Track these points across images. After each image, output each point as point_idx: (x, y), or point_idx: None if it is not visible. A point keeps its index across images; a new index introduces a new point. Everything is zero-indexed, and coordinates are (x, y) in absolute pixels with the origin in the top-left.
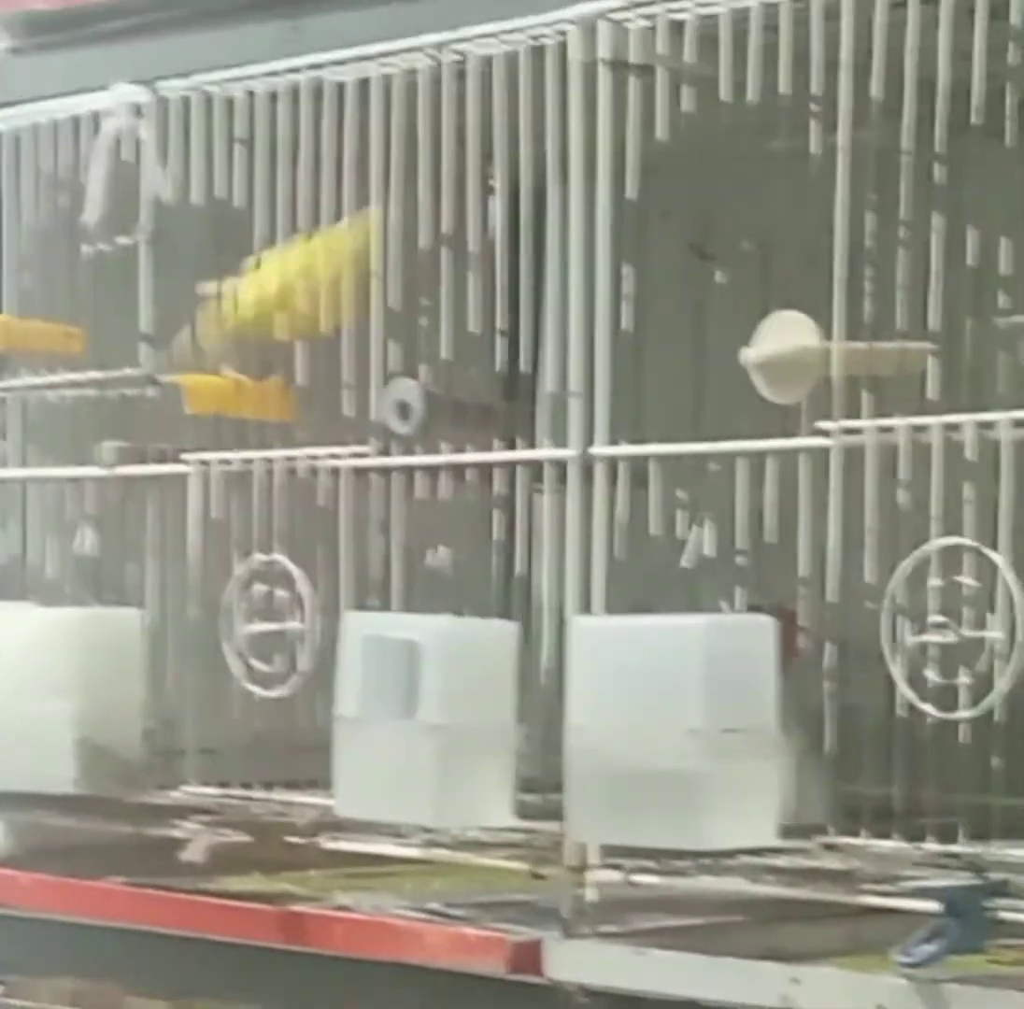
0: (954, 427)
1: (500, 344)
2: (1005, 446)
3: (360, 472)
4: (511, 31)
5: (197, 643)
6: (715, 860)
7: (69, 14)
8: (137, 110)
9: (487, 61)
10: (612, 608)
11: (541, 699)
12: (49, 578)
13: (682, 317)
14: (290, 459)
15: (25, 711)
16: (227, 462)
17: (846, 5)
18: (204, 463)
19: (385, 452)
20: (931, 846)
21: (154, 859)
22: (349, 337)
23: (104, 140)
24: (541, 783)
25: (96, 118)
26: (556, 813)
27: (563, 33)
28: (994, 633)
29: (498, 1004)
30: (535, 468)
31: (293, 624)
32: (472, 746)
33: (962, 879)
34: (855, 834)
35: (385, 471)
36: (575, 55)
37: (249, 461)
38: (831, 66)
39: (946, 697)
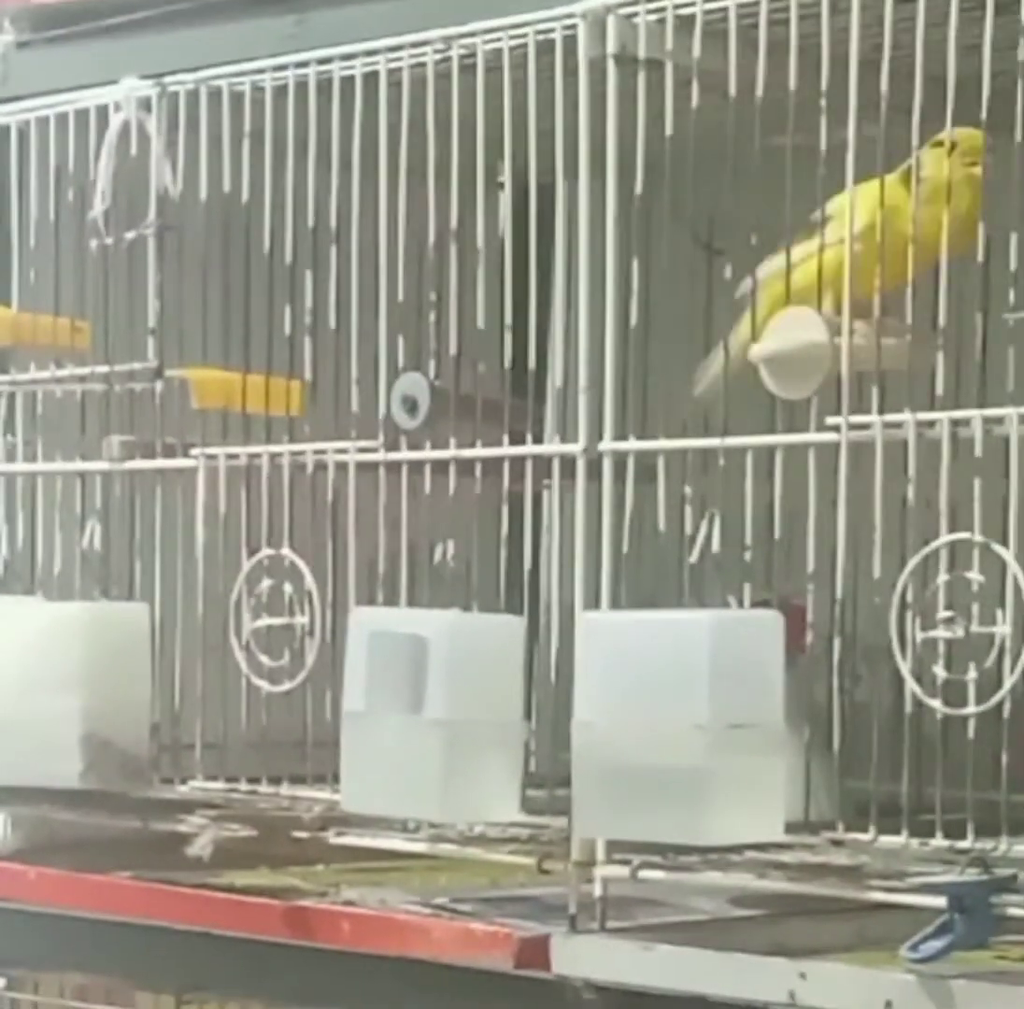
0: (962, 423)
1: (507, 339)
2: (1014, 442)
3: (367, 467)
4: (519, 25)
5: (204, 638)
6: (722, 855)
7: (76, 8)
8: (145, 104)
9: (496, 55)
10: (620, 603)
11: (549, 694)
12: (57, 573)
13: (690, 313)
14: (297, 453)
15: (32, 706)
16: (234, 456)
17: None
18: (211, 457)
19: (392, 447)
20: (938, 842)
21: (161, 854)
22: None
23: (111, 135)
24: (549, 778)
25: (104, 112)
26: (563, 808)
27: (571, 27)
28: (1002, 629)
29: (505, 999)
30: (544, 463)
31: (300, 619)
32: (478, 741)
33: (969, 875)
34: (862, 830)
35: (392, 466)
36: (583, 50)
37: (256, 455)
38: (840, 61)
39: (954, 693)
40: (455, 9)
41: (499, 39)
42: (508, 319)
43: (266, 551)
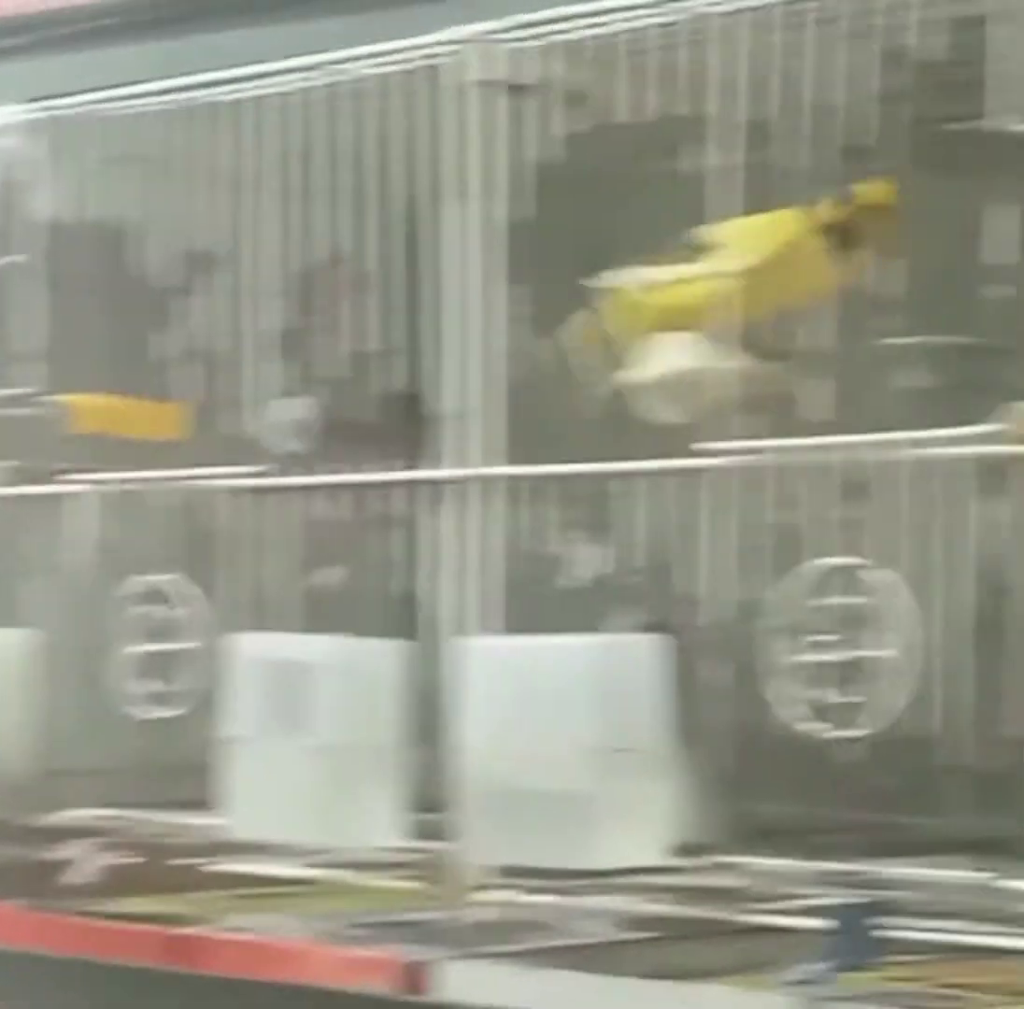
0: (836, 448)
1: (392, 364)
2: (888, 467)
3: (251, 492)
4: (403, 50)
5: (88, 664)
6: (607, 879)
7: None
8: (28, 129)
9: (382, 80)
10: (506, 628)
11: (434, 718)
12: None
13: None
14: (182, 479)
15: None
16: (120, 482)
17: (742, 29)
18: (92, 482)
19: (276, 472)
20: (822, 864)
21: (44, 881)
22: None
23: None
24: (438, 802)
25: None
26: (449, 833)
27: (455, 53)
28: (888, 652)
29: None
30: (425, 488)
31: (184, 644)
32: (362, 766)
33: (853, 897)
34: (747, 853)
35: (275, 491)
36: (466, 75)
37: (143, 481)
38: (723, 87)
39: (839, 716)
40: (342, 35)
41: (385, 64)
42: (392, 344)
43: (147, 577)
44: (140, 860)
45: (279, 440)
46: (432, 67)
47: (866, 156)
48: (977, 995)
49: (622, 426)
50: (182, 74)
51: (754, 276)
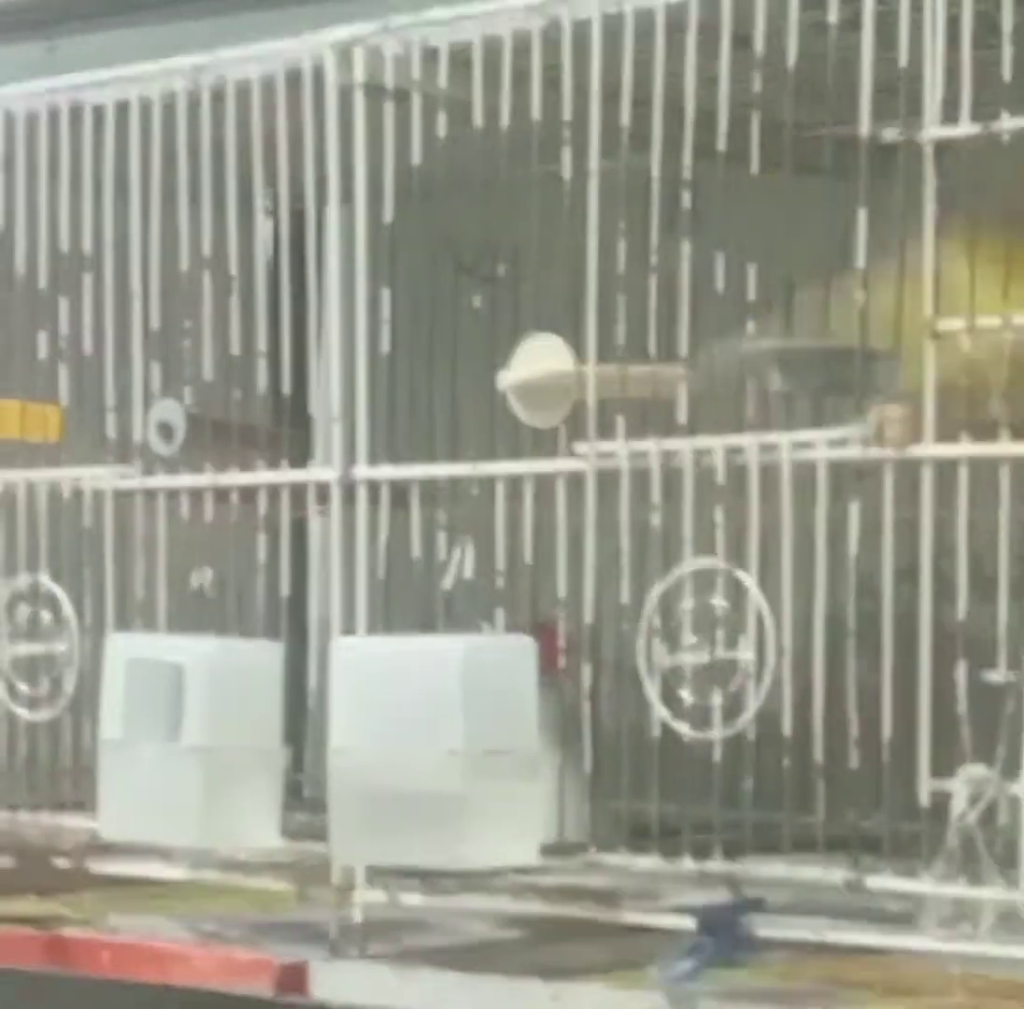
0: (705, 451)
1: (264, 366)
2: (753, 469)
3: (124, 493)
4: (268, 54)
5: None
6: (480, 879)
7: None
8: None
9: (245, 84)
10: (377, 629)
11: (311, 720)
12: None
13: (443, 340)
14: (53, 479)
15: None
16: None
17: (596, 33)
18: None
19: (149, 473)
20: (687, 863)
21: None
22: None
23: None
24: (318, 803)
25: None
26: (325, 834)
27: (320, 57)
28: (745, 654)
29: None
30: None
31: (59, 646)
32: (237, 768)
33: (722, 896)
34: (619, 852)
35: (148, 492)
36: (331, 79)
37: (13, 482)
38: (584, 92)
39: (701, 716)
40: (206, 37)
41: (250, 67)
42: (264, 345)
43: (24, 578)
44: (18, 862)
45: (154, 442)
46: (296, 71)
47: (740, 161)
48: (845, 991)
49: (503, 427)
50: (47, 76)
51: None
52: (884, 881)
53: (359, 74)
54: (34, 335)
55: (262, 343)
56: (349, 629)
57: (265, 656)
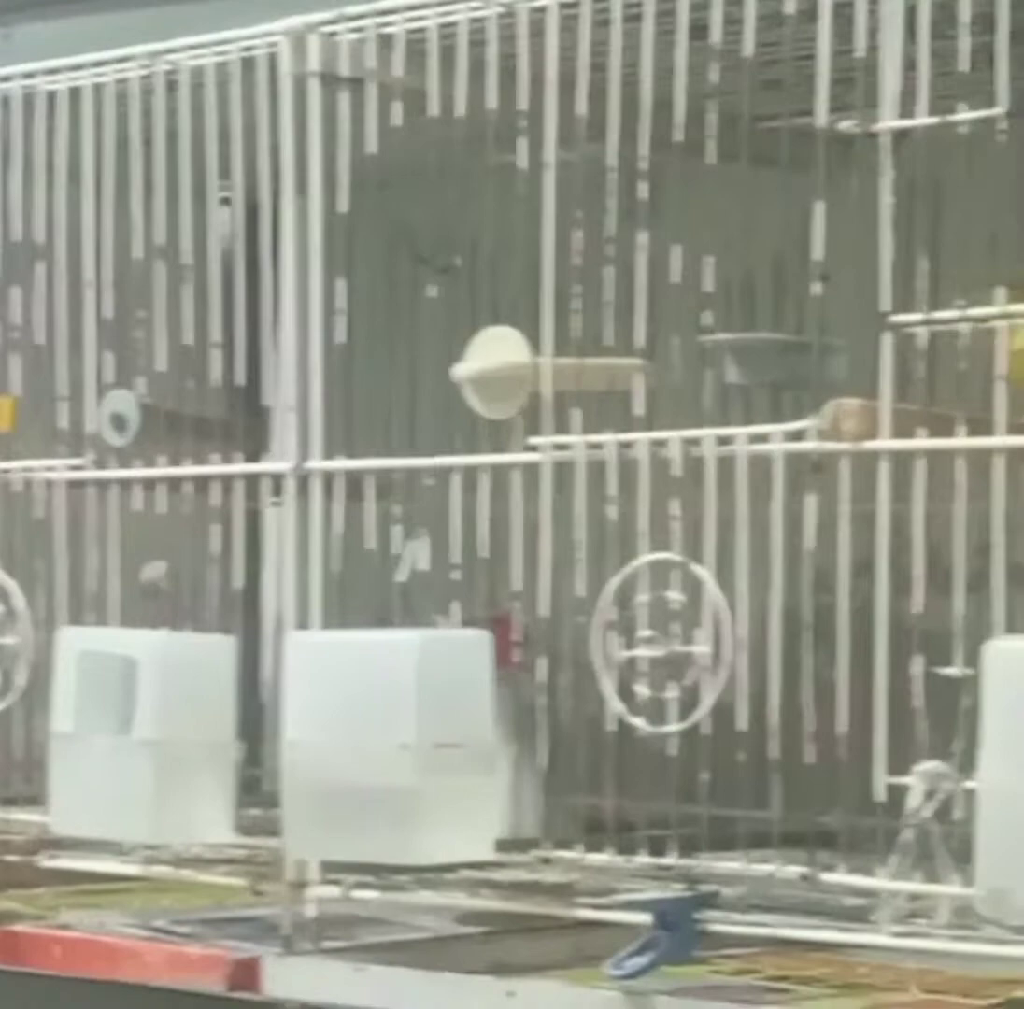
0: (661, 443)
1: (219, 357)
2: (709, 462)
3: (76, 484)
4: (222, 43)
5: None
6: (435, 874)
7: None
8: None
9: (200, 72)
10: (332, 622)
11: (266, 714)
12: None
13: (400, 332)
14: (5, 471)
15: None
16: None
17: (551, 23)
18: None
19: (101, 464)
20: (642, 859)
21: None
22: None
23: None
24: (275, 798)
25: None
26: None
27: (275, 45)
28: (701, 647)
29: None
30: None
31: (9, 639)
32: (190, 762)
33: (675, 891)
34: (574, 847)
35: (101, 484)
36: (286, 67)
37: None
38: (540, 82)
39: (657, 710)
40: (160, 26)
41: (203, 56)
42: (218, 336)
43: None
44: None
45: (106, 433)
46: (250, 59)
47: (697, 152)
48: (801, 987)
49: (459, 419)
50: (1, 64)
51: None
52: (840, 877)
53: (314, 62)
54: None
55: (216, 334)
56: (303, 622)
57: (218, 649)
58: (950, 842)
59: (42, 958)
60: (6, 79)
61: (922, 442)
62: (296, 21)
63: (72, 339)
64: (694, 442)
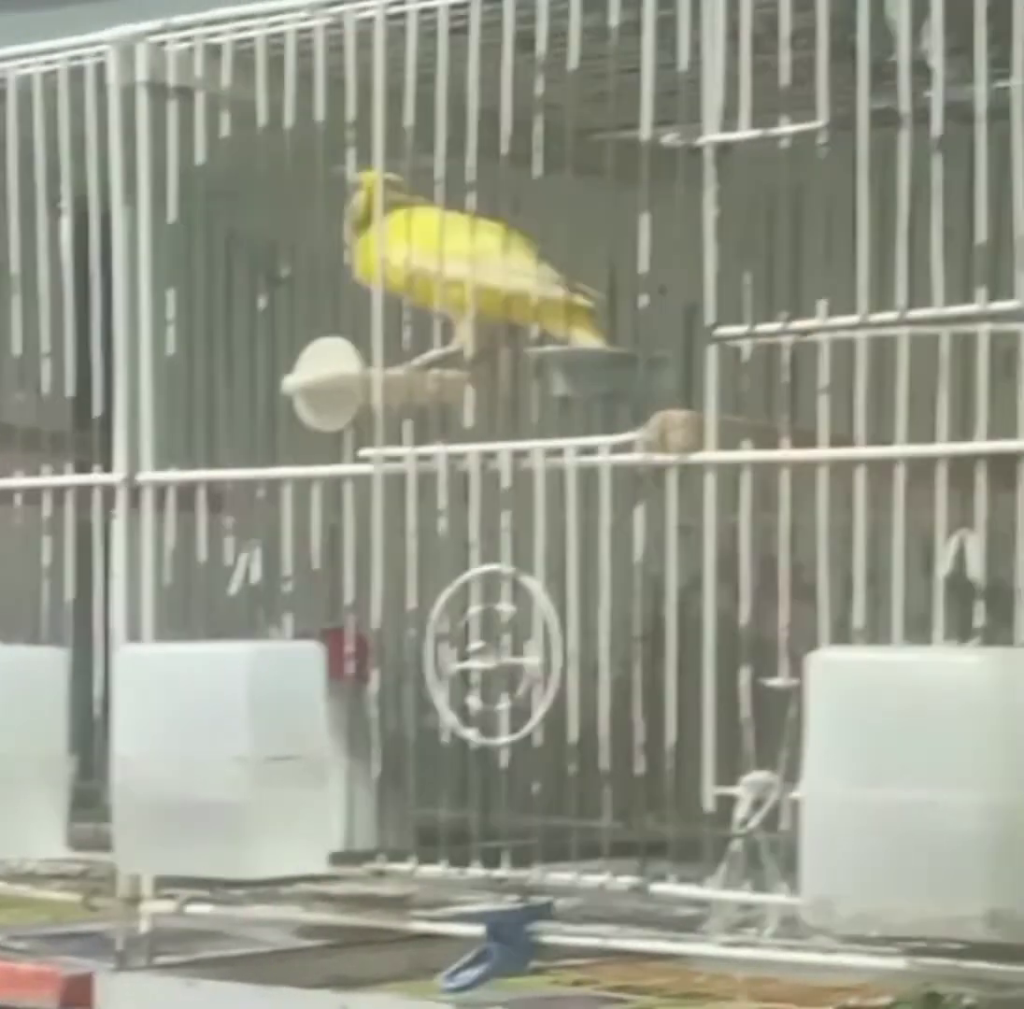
0: (491, 455)
1: (48, 368)
2: (538, 474)
3: None
4: (50, 52)
5: None
6: (269, 888)
7: None
8: None
9: (27, 81)
10: (164, 635)
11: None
12: None
13: (232, 343)
14: None
15: None
16: None
17: (378, 34)
18: None
19: None
20: (475, 871)
21: None
22: None
23: None
24: (100, 813)
25: None
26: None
27: (101, 54)
28: (531, 659)
29: None
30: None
31: None
32: (22, 775)
33: (509, 903)
34: (409, 859)
35: None
36: (114, 77)
37: None
38: (367, 92)
39: (488, 722)
40: None
41: (30, 65)
42: (48, 346)
43: None
44: None
45: None
46: (78, 68)
47: (524, 163)
48: (639, 997)
49: (291, 431)
50: None
51: None
52: (670, 887)
53: (142, 72)
54: None
55: (46, 344)
56: (134, 635)
57: (50, 663)
58: (777, 852)
59: None
60: None
61: (748, 454)
62: (124, 31)
63: None
64: (524, 454)
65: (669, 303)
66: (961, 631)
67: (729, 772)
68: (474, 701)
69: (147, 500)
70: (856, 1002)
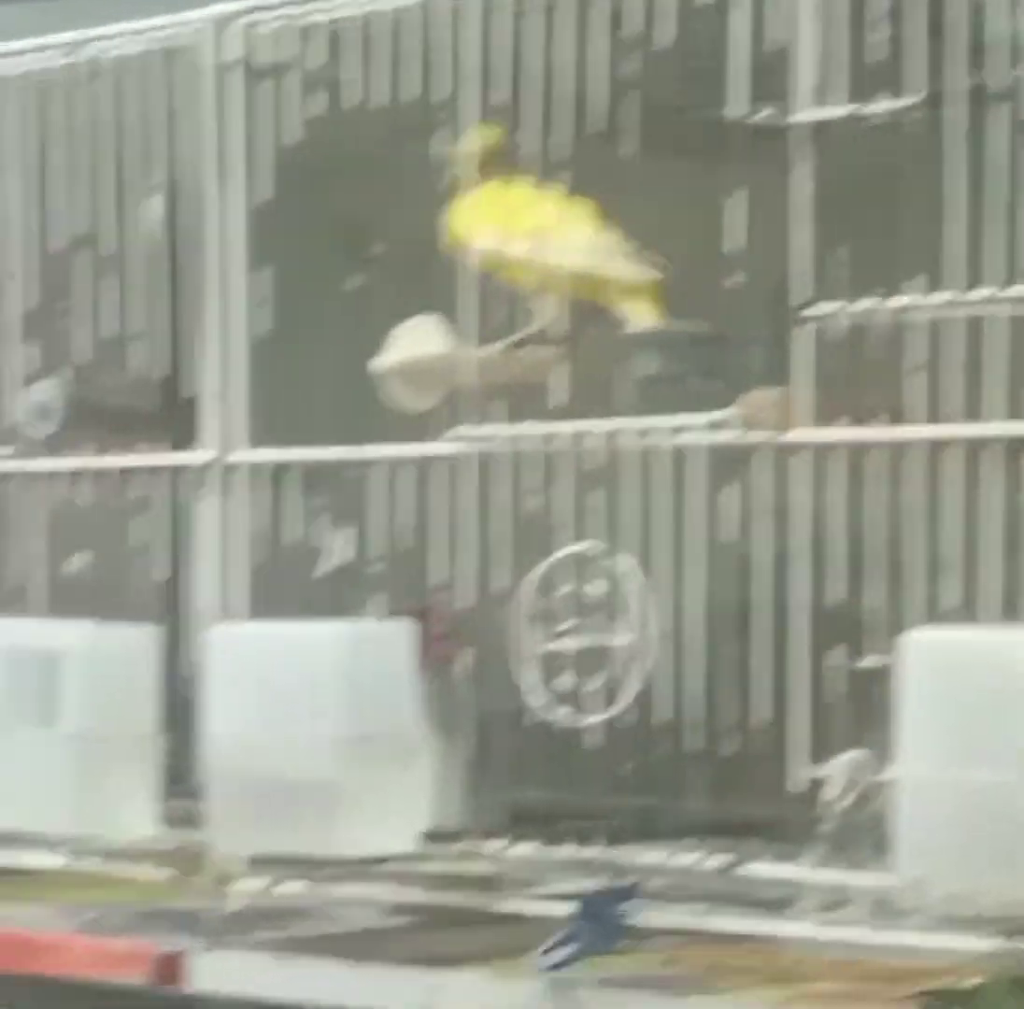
0: (583, 435)
1: (142, 348)
2: (630, 453)
3: (0, 476)
4: (144, 31)
5: None
6: (361, 867)
7: None
8: None
9: (122, 61)
10: (256, 614)
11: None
12: None
13: (322, 322)
14: None
15: None
16: None
17: (472, 12)
18: None
19: (26, 455)
20: (565, 850)
21: None
22: None
23: None
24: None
25: None
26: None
27: (197, 34)
28: (621, 639)
29: None
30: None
31: None
32: (113, 754)
33: (598, 883)
34: (498, 839)
35: (26, 475)
36: (207, 56)
37: None
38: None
39: (579, 701)
40: (82, 14)
41: (125, 45)
42: (144, 326)
43: None
44: None
45: (27, 424)
46: (172, 48)
47: (610, 141)
48: (726, 978)
49: (378, 412)
50: None
51: None
52: (761, 867)
53: (235, 51)
54: None
55: (140, 324)
56: (227, 614)
57: (142, 641)
58: (869, 832)
59: None
60: None
61: (842, 432)
62: (218, 10)
63: None
64: (615, 433)
65: (757, 281)
66: None
67: (820, 752)
68: (564, 681)
69: (239, 480)
70: (946, 983)
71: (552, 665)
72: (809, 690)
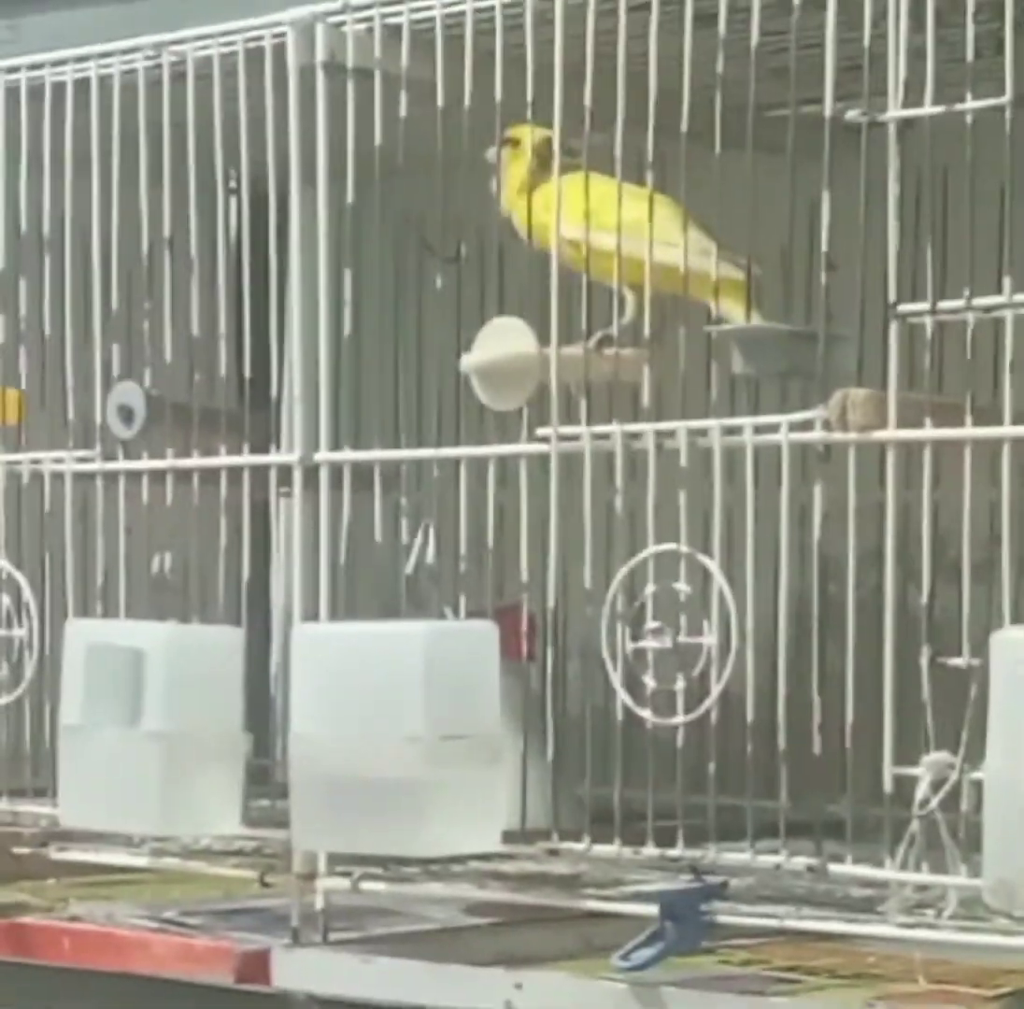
0: (667, 434)
1: (225, 348)
2: (717, 453)
3: (84, 476)
4: (229, 33)
5: None
6: (443, 866)
7: None
8: None
9: (206, 63)
10: (338, 614)
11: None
12: None
13: (407, 323)
14: (14, 463)
15: None
16: None
17: (558, 11)
18: None
19: (109, 456)
20: (650, 850)
21: None
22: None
23: None
24: (284, 789)
25: None
26: (287, 820)
27: (281, 36)
28: (708, 638)
29: None
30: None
31: (18, 631)
32: (198, 753)
33: (682, 882)
34: (581, 838)
35: (109, 476)
36: (292, 58)
37: None
38: (546, 71)
39: (664, 701)
40: (167, 16)
41: (209, 46)
42: (225, 328)
43: None
44: None
45: (112, 425)
46: (258, 49)
47: (702, 139)
48: (809, 978)
49: (466, 410)
50: (8, 56)
51: None
52: (847, 868)
53: (320, 53)
54: None
55: (224, 325)
56: (310, 614)
57: (226, 641)
58: (958, 832)
59: (51, 950)
60: (13, 71)
61: (929, 432)
62: (303, 12)
63: (80, 331)
64: (701, 432)
65: (847, 280)
66: None
67: (908, 751)
68: (649, 680)
69: (323, 480)
70: None
71: (637, 665)
72: (898, 689)
